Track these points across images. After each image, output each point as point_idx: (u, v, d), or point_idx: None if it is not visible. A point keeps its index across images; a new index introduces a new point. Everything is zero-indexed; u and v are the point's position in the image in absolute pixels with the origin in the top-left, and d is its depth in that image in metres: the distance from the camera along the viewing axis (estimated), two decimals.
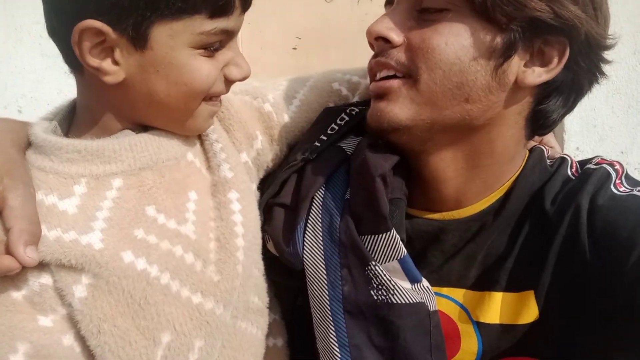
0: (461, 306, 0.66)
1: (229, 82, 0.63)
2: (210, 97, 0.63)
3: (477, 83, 0.61)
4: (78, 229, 0.55)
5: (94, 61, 0.56)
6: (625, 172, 0.65)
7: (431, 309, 0.64)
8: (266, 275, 0.70)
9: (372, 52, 0.69)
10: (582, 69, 0.64)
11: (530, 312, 0.62)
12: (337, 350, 0.63)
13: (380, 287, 0.63)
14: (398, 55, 0.63)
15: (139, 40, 0.56)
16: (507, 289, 0.64)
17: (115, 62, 0.57)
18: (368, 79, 0.77)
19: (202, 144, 0.68)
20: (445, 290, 0.67)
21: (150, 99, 0.59)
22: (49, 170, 0.58)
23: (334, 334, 0.63)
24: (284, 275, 0.70)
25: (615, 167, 0.65)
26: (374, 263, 0.63)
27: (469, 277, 0.66)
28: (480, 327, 0.65)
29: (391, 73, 0.64)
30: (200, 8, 0.56)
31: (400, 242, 0.63)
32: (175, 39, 0.56)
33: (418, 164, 0.68)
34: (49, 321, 0.54)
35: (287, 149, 0.75)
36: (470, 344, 0.65)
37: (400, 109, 0.63)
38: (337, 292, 0.64)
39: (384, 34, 0.63)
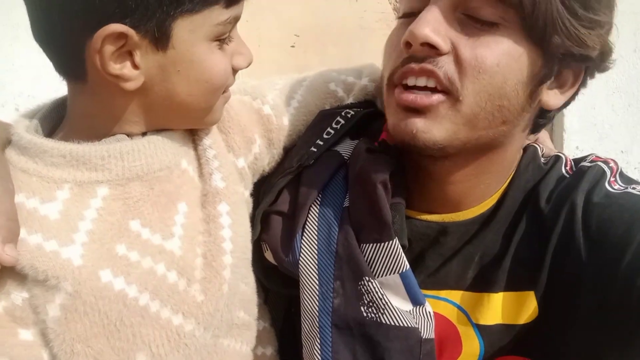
0: (460, 308, 0.66)
1: (235, 72, 0.62)
2: (226, 90, 0.62)
3: (515, 106, 0.59)
4: (59, 238, 0.54)
5: (114, 68, 0.53)
6: (619, 170, 0.65)
7: (425, 336, 0.62)
8: (263, 285, 0.69)
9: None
10: (587, 81, 0.65)
11: (530, 312, 0.62)
12: None
13: (371, 304, 0.61)
14: (447, 67, 0.57)
15: (161, 40, 0.54)
16: (506, 289, 0.64)
17: (135, 66, 0.54)
18: (363, 79, 0.76)
19: (195, 149, 0.65)
20: (443, 293, 0.67)
21: (170, 100, 0.58)
22: (33, 172, 0.56)
23: (319, 347, 0.62)
24: (282, 285, 0.69)
25: (610, 165, 0.65)
26: (367, 278, 0.62)
27: (467, 278, 0.66)
28: (480, 329, 0.64)
29: (432, 85, 0.58)
30: None
31: (403, 255, 0.62)
32: (195, 34, 0.55)
33: (426, 166, 0.66)
34: (29, 335, 0.53)
35: (284, 153, 0.74)
36: (471, 346, 0.64)
37: (438, 130, 0.58)
38: (328, 305, 0.62)
39: (432, 41, 0.56)
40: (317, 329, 0.62)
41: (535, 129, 0.68)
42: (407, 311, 0.62)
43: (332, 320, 0.62)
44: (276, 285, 0.70)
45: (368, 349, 0.61)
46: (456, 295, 0.66)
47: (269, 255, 0.68)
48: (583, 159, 0.68)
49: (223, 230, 0.62)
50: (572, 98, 0.65)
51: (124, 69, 0.54)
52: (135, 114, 0.59)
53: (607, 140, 1.68)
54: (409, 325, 0.61)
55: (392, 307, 0.61)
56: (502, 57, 0.57)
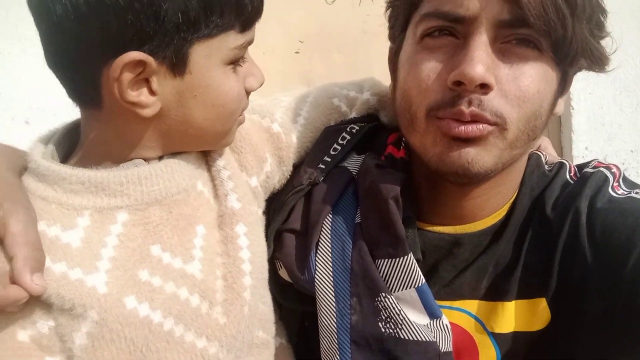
0: (475, 318, 0.66)
1: (247, 94, 0.63)
2: (241, 113, 0.63)
3: (544, 123, 0.61)
4: (83, 266, 0.54)
5: (131, 95, 0.53)
6: (622, 175, 0.66)
7: (444, 349, 0.62)
8: (278, 302, 0.70)
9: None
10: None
11: (543, 318, 0.63)
12: None
13: (389, 319, 0.62)
14: (492, 104, 0.57)
15: (179, 65, 0.54)
16: (518, 297, 0.64)
17: (152, 93, 0.55)
18: (364, 93, 0.77)
19: (209, 170, 0.66)
20: (457, 303, 0.67)
21: (187, 125, 0.58)
22: (52, 200, 0.56)
23: None
24: (298, 302, 0.70)
25: (612, 170, 0.66)
26: (384, 294, 0.62)
27: (481, 288, 0.66)
28: (496, 337, 0.64)
29: (483, 126, 0.58)
30: (234, 23, 0.56)
31: (418, 269, 0.62)
32: (211, 58, 0.56)
33: (447, 185, 0.65)
34: None
35: (292, 169, 0.75)
36: (488, 355, 0.65)
37: (488, 157, 0.60)
38: (345, 322, 0.63)
39: (487, 81, 0.56)
40: (336, 346, 0.63)
41: None
42: (424, 325, 0.62)
43: (350, 337, 0.63)
44: (292, 303, 0.71)
45: None
46: (471, 305, 0.66)
47: (283, 273, 0.69)
48: (586, 164, 0.69)
49: (242, 251, 0.62)
50: None
51: (141, 95, 0.54)
52: (152, 139, 0.59)
53: (616, 140, 1.66)
54: (427, 340, 0.61)
55: (410, 322, 0.61)
56: (541, 83, 0.58)
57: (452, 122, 0.59)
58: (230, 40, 0.56)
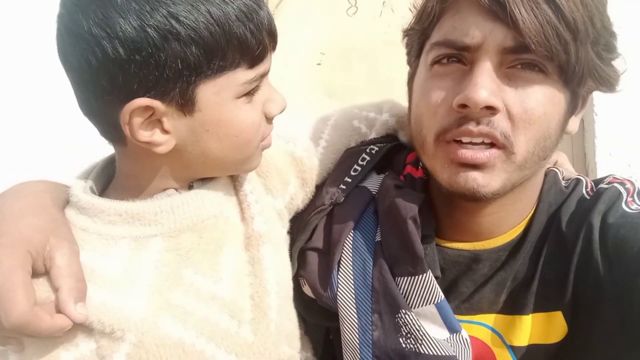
0: (494, 331, 0.67)
1: (270, 119, 0.64)
2: (262, 139, 0.64)
3: (554, 142, 0.63)
4: (121, 293, 0.57)
5: (144, 136, 0.57)
6: (637, 190, 0.67)
7: None
8: (303, 318, 0.72)
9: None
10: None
11: (560, 331, 0.64)
12: None
13: (409, 335, 0.64)
14: (501, 125, 0.59)
15: (187, 105, 0.56)
16: (535, 310, 0.65)
17: (165, 131, 0.58)
18: (384, 115, 0.80)
19: (237, 194, 0.68)
20: (477, 318, 0.68)
21: (205, 156, 0.61)
22: (92, 231, 0.59)
23: None
24: (322, 318, 0.72)
25: (627, 186, 0.67)
26: (404, 311, 0.64)
27: (499, 302, 0.67)
28: (514, 350, 0.65)
29: (488, 141, 0.60)
30: (240, 62, 0.57)
31: (437, 286, 0.64)
32: (220, 95, 0.57)
33: (463, 205, 0.67)
34: None
35: (315, 190, 0.77)
36: None
37: (496, 181, 0.61)
38: (367, 337, 0.65)
39: (492, 104, 0.58)
40: None
41: None
42: (444, 339, 0.64)
43: (372, 352, 0.65)
44: (316, 318, 0.73)
45: None
46: (489, 319, 0.67)
47: (307, 290, 0.71)
48: (602, 180, 0.70)
49: (267, 272, 0.65)
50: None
51: (153, 135, 0.57)
52: (176, 171, 0.62)
53: None
54: (447, 354, 0.62)
55: (430, 337, 0.63)
56: (547, 105, 0.59)
57: (459, 147, 0.60)
58: (239, 76, 0.57)
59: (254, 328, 0.63)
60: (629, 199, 0.65)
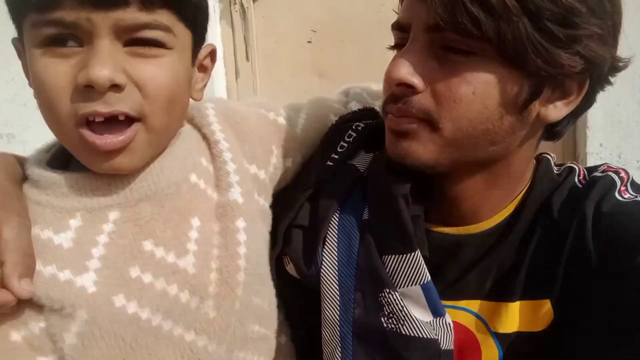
0: (478, 317, 0.67)
1: (88, 93, 0.53)
2: (86, 119, 0.54)
3: (502, 127, 0.61)
4: (73, 267, 0.56)
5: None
6: (630, 179, 0.66)
7: (445, 347, 0.63)
8: (280, 296, 0.71)
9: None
10: (596, 91, 0.65)
11: (546, 319, 0.63)
12: None
13: (391, 315, 0.63)
14: (420, 103, 0.60)
15: (22, 44, 0.57)
16: (522, 297, 0.65)
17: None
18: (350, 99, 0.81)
19: (213, 160, 0.66)
20: (462, 303, 0.68)
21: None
22: (46, 204, 0.58)
23: (340, 355, 0.64)
24: (304, 299, 0.70)
25: (621, 175, 0.66)
26: (388, 290, 0.64)
27: (485, 288, 0.67)
28: (499, 337, 0.65)
29: (412, 121, 0.62)
30: (27, 6, 0.53)
31: (425, 266, 0.64)
32: (27, 39, 0.55)
33: (437, 184, 0.68)
34: None
35: (300, 163, 0.77)
36: (490, 354, 0.65)
37: (423, 150, 0.62)
38: (349, 315, 0.65)
39: (407, 81, 0.60)
40: (339, 338, 0.65)
41: (550, 137, 0.68)
42: (427, 322, 0.63)
43: (353, 330, 0.64)
44: (299, 299, 0.71)
45: (388, 359, 0.63)
46: (475, 305, 0.67)
47: (290, 269, 0.70)
48: (595, 168, 0.69)
49: (239, 247, 0.63)
50: (587, 103, 0.65)
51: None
52: None
53: (632, 137, 1.63)
54: (429, 337, 0.62)
55: (412, 318, 0.62)
56: (477, 85, 0.58)
57: (391, 116, 0.64)
58: (30, 20, 0.54)
59: (217, 304, 0.61)
60: (622, 188, 0.64)
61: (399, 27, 0.64)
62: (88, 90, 0.53)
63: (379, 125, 0.75)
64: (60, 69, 0.53)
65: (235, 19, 1.81)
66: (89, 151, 0.56)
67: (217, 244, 0.63)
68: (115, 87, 0.53)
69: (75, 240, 0.57)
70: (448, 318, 0.64)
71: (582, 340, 0.61)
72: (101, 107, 0.53)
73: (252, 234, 0.66)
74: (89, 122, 0.54)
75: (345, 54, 1.81)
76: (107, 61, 0.52)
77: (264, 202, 0.71)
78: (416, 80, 0.60)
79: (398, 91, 0.62)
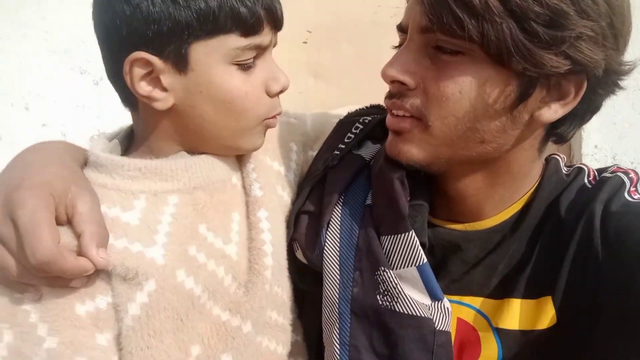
0: (481, 314, 0.67)
1: (273, 97, 0.67)
2: (268, 119, 0.68)
3: (491, 126, 0.61)
4: (143, 241, 0.60)
5: (143, 89, 0.61)
6: None
7: (441, 328, 0.64)
8: (295, 288, 0.74)
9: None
10: (599, 95, 0.64)
11: (548, 318, 0.63)
12: (338, 347, 0.66)
13: (386, 292, 0.65)
14: (413, 100, 0.63)
15: (181, 63, 0.60)
16: (525, 295, 0.65)
17: (164, 89, 0.61)
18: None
19: (239, 165, 0.72)
20: (466, 299, 0.68)
21: (201, 120, 0.64)
22: (111, 186, 0.62)
23: (337, 332, 0.66)
24: (313, 284, 0.72)
25: (630, 176, 0.66)
26: (383, 268, 0.65)
27: (490, 286, 0.67)
28: (500, 333, 0.65)
29: (407, 114, 0.64)
30: (232, 28, 0.60)
31: (420, 248, 0.64)
32: (211, 56, 0.61)
33: (439, 181, 0.69)
34: (104, 340, 0.58)
35: (312, 157, 0.80)
36: (490, 350, 0.66)
37: (417, 149, 0.64)
38: (347, 293, 0.66)
39: (398, 78, 0.63)
40: (337, 315, 0.66)
41: (556, 139, 0.68)
42: (424, 304, 0.64)
43: (351, 308, 0.66)
44: (308, 284, 0.73)
45: (383, 336, 0.65)
46: (478, 301, 0.68)
47: (299, 255, 0.72)
48: (605, 169, 0.69)
49: (263, 234, 0.68)
50: (592, 107, 0.64)
51: (153, 91, 0.61)
52: (179, 134, 0.66)
53: (627, 139, 1.63)
54: (422, 315, 0.63)
55: (406, 295, 0.64)
56: (464, 84, 0.59)
57: (389, 115, 0.66)
58: (231, 41, 0.61)
59: (248, 289, 0.66)
60: (632, 189, 0.64)
61: (401, 29, 0.67)
62: (275, 97, 0.67)
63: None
64: (250, 81, 0.64)
65: None
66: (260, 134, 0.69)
67: (247, 237, 0.68)
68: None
69: (141, 219, 0.61)
70: (446, 302, 0.64)
71: (586, 341, 0.60)
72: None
73: (275, 223, 0.70)
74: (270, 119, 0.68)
75: (341, 55, 1.80)
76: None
77: (287, 197, 0.75)
78: (407, 78, 0.62)
79: (394, 88, 0.65)
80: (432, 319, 0.63)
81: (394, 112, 0.65)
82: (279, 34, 0.68)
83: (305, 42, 1.78)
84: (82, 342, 0.56)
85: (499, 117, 0.61)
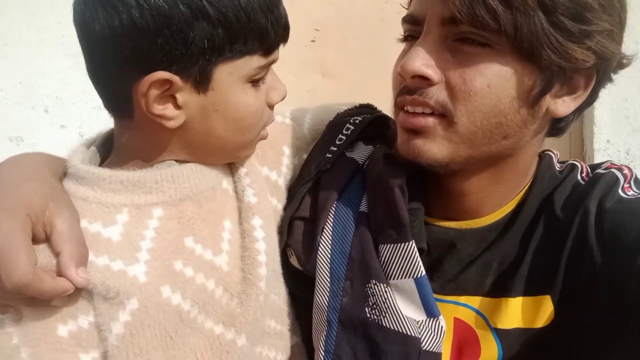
0: (479, 313, 0.67)
1: (271, 107, 0.67)
2: (264, 126, 0.67)
3: (516, 121, 0.61)
4: (124, 258, 0.58)
5: (157, 109, 0.58)
6: (634, 176, 0.66)
7: (429, 348, 0.63)
8: (290, 293, 0.73)
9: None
10: (601, 86, 0.65)
11: (547, 315, 0.63)
12: (322, 354, 0.65)
13: (375, 306, 0.64)
14: (437, 95, 0.60)
15: (203, 83, 0.58)
16: (523, 293, 0.65)
17: (178, 107, 0.59)
18: None
19: (231, 170, 0.70)
20: (462, 299, 0.68)
21: (208, 137, 0.62)
22: (92, 200, 0.60)
23: (324, 339, 0.65)
24: (307, 290, 0.71)
25: (624, 172, 0.66)
26: (374, 281, 0.64)
27: (485, 284, 0.67)
28: (499, 333, 0.65)
29: (427, 111, 0.61)
30: (257, 48, 0.60)
31: (419, 260, 0.64)
32: (233, 76, 0.60)
33: (441, 179, 0.68)
34: (89, 359, 0.57)
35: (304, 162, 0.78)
36: (490, 350, 0.65)
37: (438, 148, 0.62)
38: (336, 302, 0.66)
39: (423, 73, 0.60)
40: (325, 323, 0.66)
41: (554, 132, 0.68)
42: (416, 321, 0.63)
43: (338, 317, 0.65)
44: (303, 291, 0.72)
45: (369, 348, 0.64)
46: (475, 301, 0.67)
47: (294, 261, 0.71)
48: (598, 166, 0.69)
49: (257, 243, 0.66)
50: (592, 99, 0.65)
51: (166, 109, 0.59)
52: (177, 147, 0.64)
53: (639, 133, 1.61)
54: (409, 334, 0.62)
55: (397, 312, 0.63)
56: (492, 78, 0.58)
57: (404, 114, 0.63)
58: (254, 61, 0.60)
59: (242, 300, 0.64)
60: (626, 185, 0.64)
61: (412, 20, 0.64)
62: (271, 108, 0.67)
63: (378, 118, 0.77)
64: (258, 96, 0.63)
65: None
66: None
67: (240, 245, 0.66)
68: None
69: (123, 234, 0.59)
70: (442, 321, 0.64)
71: (583, 337, 0.60)
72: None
73: (269, 231, 0.68)
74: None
75: (349, 52, 1.80)
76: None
77: (277, 203, 0.73)
78: (432, 72, 0.59)
79: (412, 84, 0.61)
80: (420, 339, 0.62)
81: (412, 109, 0.62)
82: None
83: (313, 41, 1.79)
84: None
85: (522, 111, 0.60)
